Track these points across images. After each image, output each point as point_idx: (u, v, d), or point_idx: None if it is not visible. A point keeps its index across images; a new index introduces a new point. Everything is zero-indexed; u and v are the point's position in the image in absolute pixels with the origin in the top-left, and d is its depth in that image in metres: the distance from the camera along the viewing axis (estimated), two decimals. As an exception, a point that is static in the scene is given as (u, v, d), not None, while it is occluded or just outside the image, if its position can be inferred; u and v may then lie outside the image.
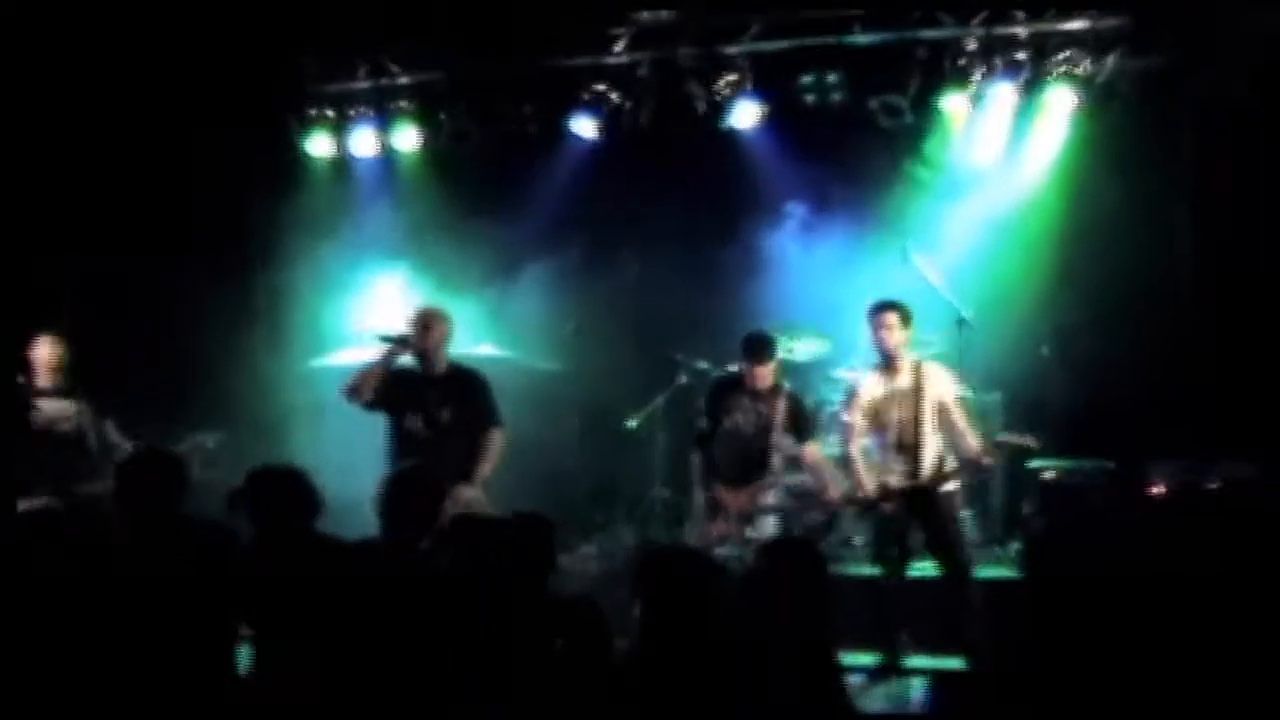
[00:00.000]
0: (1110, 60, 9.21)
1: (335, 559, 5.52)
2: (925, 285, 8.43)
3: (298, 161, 10.60)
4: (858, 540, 8.89)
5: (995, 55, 9.33)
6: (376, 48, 10.33)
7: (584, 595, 5.78)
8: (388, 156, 10.63)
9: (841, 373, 9.32)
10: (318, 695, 5.08)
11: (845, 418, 7.87)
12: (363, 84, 10.46)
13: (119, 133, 9.75)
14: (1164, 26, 9.03)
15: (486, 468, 7.73)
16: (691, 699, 4.52)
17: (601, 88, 9.99)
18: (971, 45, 9.34)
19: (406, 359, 7.85)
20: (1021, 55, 9.29)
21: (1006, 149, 9.74)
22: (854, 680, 6.72)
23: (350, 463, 7.65)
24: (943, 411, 7.64)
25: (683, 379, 9.67)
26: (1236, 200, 8.97)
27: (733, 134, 9.98)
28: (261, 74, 10.12)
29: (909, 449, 7.55)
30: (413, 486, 5.77)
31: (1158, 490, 8.06)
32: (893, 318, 7.60)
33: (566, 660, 4.93)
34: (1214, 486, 7.93)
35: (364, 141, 10.49)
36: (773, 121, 9.90)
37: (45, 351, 8.26)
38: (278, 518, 5.63)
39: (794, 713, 4.53)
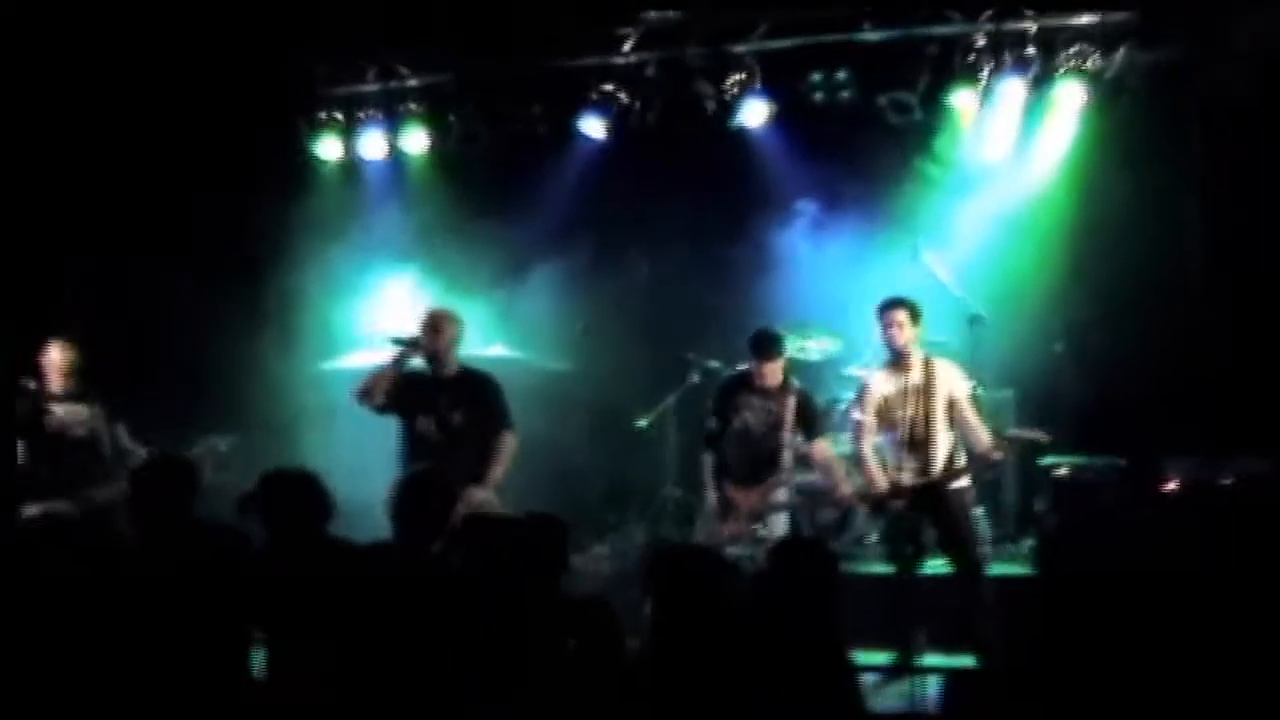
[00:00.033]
0: (1119, 55, 9.18)
1: (347, 562, 5.52)
2: (936, 282, 8.41)
3: (307, 165, 10.60)
4: (871, 538, 8.87)
5: (1004, 51, 9.29)
6: (385, 50, 10.33)
7: (596, 596, 5.78)
8: (396, 159, 10.62)
9: (853, 370, 9.30)
10: (331, 698, 5.08)
11: (856, 415, 7.86)
12: (371, 87, 10.46)
13: (127, 136, 9.76)
14: (1172, 21, 9.01)
15: (499, 470, 7.73)
16: (703, 697, 4.51)
17: (610, 88, 9.97)
18: (980, 41, 9.31)
19: (417, 361, 7.85)
20: (1030, 51, 9.25)
21: (1016, 145, 9.70)
22: (868, 679, 6.70)
23: (361, 465, 7.67)
24: (953, 408, 7.63)
25: (694, 378, 9.65)
26: (1246, 194, 8.94)
27: (742, 133, 9.95)
28: (270, 77, 10.12)
29: (920, 446, 7.55)
30: (425, 489, 5.78)
31: (1171, 486, 8.04)
32: (901, 315, 7.60)
33: (579, 661, 4.93)
34: (1227, 482, 7.91)
35: (373, 144, 10.48)
36: (782, 120, 9.87)
37: (56, 356, 8.27)
38: (290, 521, 5.64)
39: (806, 712, 4.52)
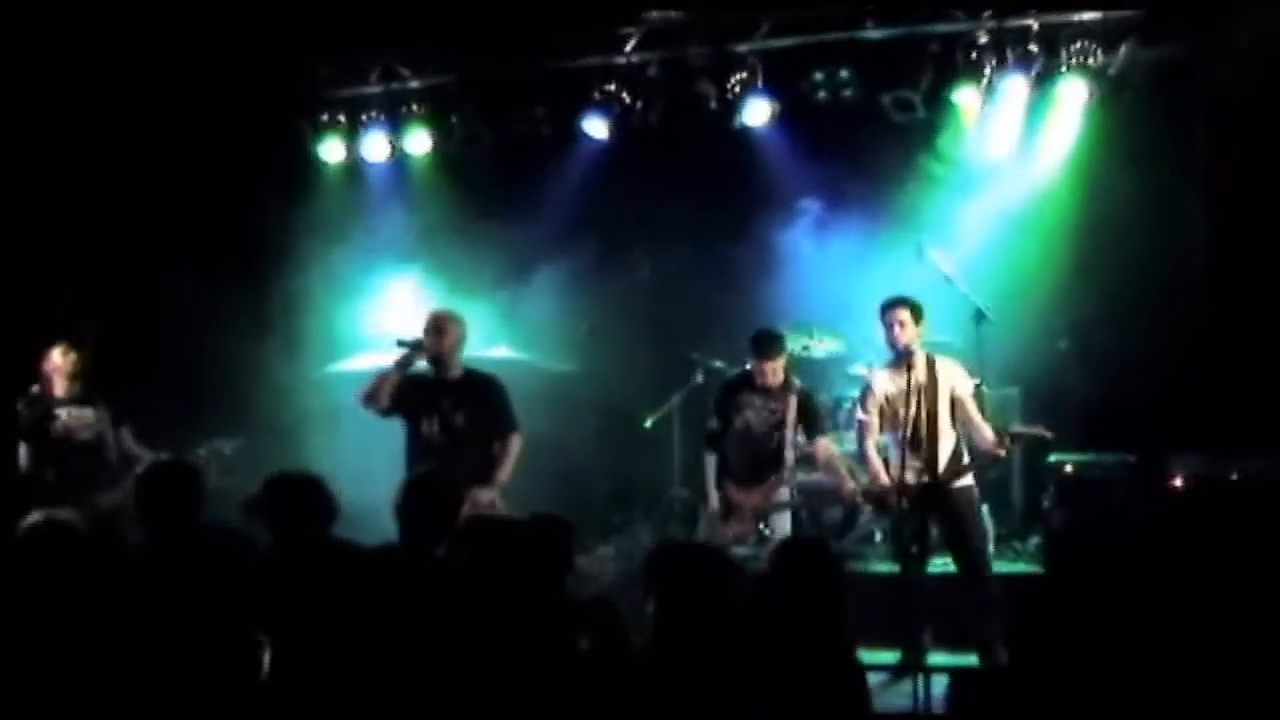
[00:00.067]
0: (1122, 52, 9.15)
1: (352, 564, 5.52)
2: (940, 280, 8.40)
3: (310, 166, 10.61)
4: (878, 537, 8.86)
5: (1007, 48, 9.28)
6: (387, 52, 10.34)
7: (602, 597, 5.77)
8: (399, 160, 10.63)
9: (859, 368, 9.29)
10: (335, 701, 5.07)
11: (860, 415, 7.85)
12: (374, 88, 10.47)
13: (131, 138, 9.77)
14: (1176, 17, 8.99)
15: (504, 473, 7.74)
16: (706, 697, 4.50)
17: (612, 88, 9.96)
18: (983, 38, 9.30)
19: (422, 364, 7.85)
20: (1033, 48, 9.23)
21: (1019, 142, 9.68)
22: (876, 678, 6.69)
23: (366, 468, 7.67)
24: (957, 406, 7.62)
25: (698, 378, 9.65)
26: (1250, 191, 8.93)
27: (744, 132, 9.95)
28: (273, 79, 10.13)
29: (924, 445, 7.52)
30: (431, 491, 5.77)
31: (1178, 483, 8.02)
32: (904, 314, 7.58)
33: (586, 662, 4.91)
34: (1234, 479, 7.89)
35: (376, 145, 10.49)
36: (784, 119, 9.86)
37: (61, 359, 8.28)
38: (295, 524, 5.63)
39: (812, 712, 4.51)
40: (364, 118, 10.45)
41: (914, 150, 9.88)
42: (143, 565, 5.45)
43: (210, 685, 5.17)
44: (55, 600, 5.16)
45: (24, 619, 5.12)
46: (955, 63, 9.38)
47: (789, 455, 7.98)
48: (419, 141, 10.42)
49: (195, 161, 9.91)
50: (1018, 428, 7.81)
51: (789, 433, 8.00)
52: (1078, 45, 9.15)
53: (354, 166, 10.68)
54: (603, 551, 9.57)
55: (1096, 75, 9.22)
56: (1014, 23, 9.28)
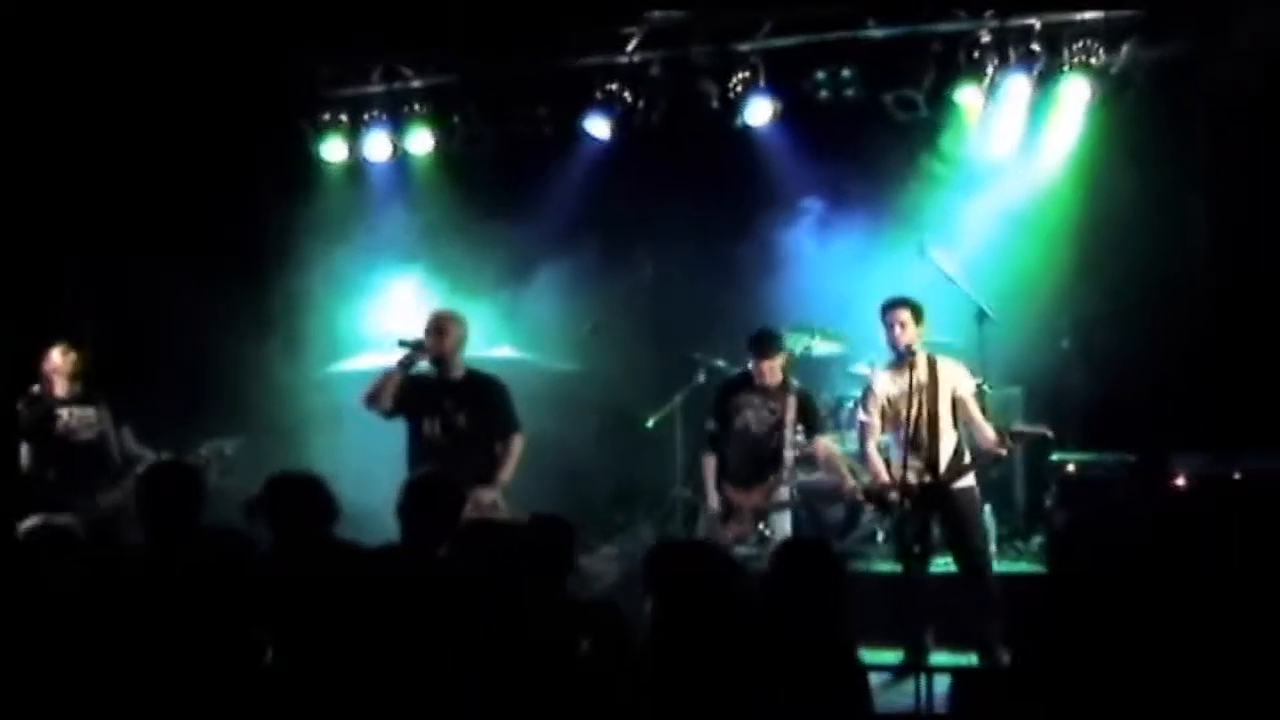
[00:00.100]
0: (1124, 51, 9.15)
1: (353, 564, 5.51)
2: (942, 280, 8.39)
3: (312, 166, 10.61)
4: (880, 536, 8.85)
5: (1009, 47, 9.28)
6: (389, 51, 10.33)
7: (603, 598, 5.77)
8: (401, 160, 10.63)
9: (860, 368, 9.28)
10: (337, 701, 5.07)
11: (861, 416, 7.85)
12: (376, 88, 10.47)
13: (132, 138, 9.77)
14: (1177, 16, 8.99)
15: (507, 473, 7.74)
16: (705, 697, 4.49)
17: (614, 87, 9.96)
18: (985, 37, 9.30)
19: (424, 365, 7.84)
20: (1036, 47, 9.23)
21: (1022, 141, 9.68)
22: (878, 678, 6.68)
23: (368, 468, 7.67)
24: (958, 406, 7.62)
25: (701, 377, 9.62)
26: (1251, 190, 8.92)
27: (746, 131, 9.95)
28: (275, 79, 10.13)
29: (925, 445, 7.52)
30: (432, 492, 5.77)
31: (1180, 483, 8.02)
32: (905, 314, 7.57)
33: (586, 663, 4.91)
34: (1237, 478, 7.89)
35: (378, 145, 10.49)
36: (787, 118, 9.86)
37: (61, 360, 8.27)
38: (296, 524, 5.63)
39: (814, 712, 4.50)
40: (366, 117, 10.45)
41: (916, 149, 9.87)
42: (143, 566, 5.44)
43: (211, 685, 5.17)
44: (54, 603, 5.16)
45: (23, 621, 5.12)
46: (957, 62, 9.38)
47: (788, 455, 7.97)
48: (421, 141, 10.41)
49: (196, 161, 9.91)
50: (1019, 427, 7.80)
51: (788, 433, 7.98)
52: (1080, 44, 9.14)
53: (356, 166, 10.68)
54: (605, 551, 9.57)
55: (1098, 74, 9.22)
56: (1016, 22, 9.27)
